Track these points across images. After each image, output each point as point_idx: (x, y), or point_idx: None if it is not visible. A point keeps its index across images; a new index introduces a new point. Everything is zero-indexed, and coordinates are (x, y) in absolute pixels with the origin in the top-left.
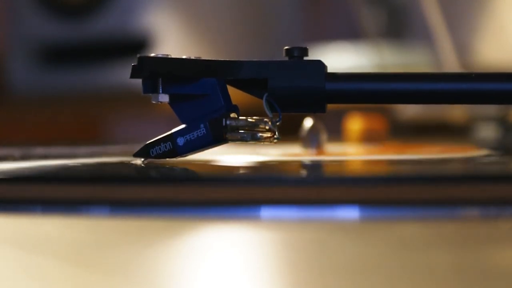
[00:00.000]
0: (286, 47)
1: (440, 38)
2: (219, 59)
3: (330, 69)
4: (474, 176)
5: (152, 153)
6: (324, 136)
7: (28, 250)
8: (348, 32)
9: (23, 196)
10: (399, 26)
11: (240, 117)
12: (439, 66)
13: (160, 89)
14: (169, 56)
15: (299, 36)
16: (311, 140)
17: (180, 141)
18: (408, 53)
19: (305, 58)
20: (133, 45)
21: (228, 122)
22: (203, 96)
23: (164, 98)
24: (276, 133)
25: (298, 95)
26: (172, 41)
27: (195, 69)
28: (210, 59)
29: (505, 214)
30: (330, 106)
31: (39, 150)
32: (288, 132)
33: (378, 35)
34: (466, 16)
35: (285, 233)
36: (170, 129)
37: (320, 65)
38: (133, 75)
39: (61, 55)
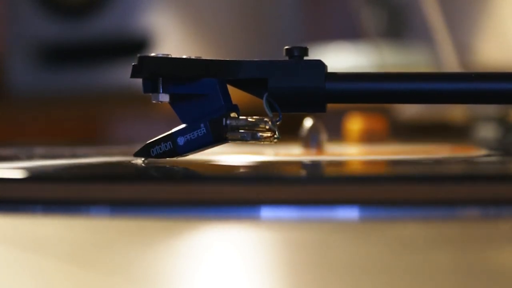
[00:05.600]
0: (286, 47)
1: (440, 38)
2: (220, 59)
3: (330, 69)
4: (474, 176)
5: (153, 153)
6: (324, 136)
7: (28, 250)
8: (348, 32)
9: (23, 196)
10: (399, 26)
11: (240, 117)
12: (439, 66)
13: (161, 89)
14: (170, 56)
15: (299, 35)
16: (311, 140)
17: (181, 140)
18: (408, 53)
19: (305, 57)
20: (133, 45)
21: (228, 121)
22: (203, 96)
23: (165, 97)
24: (276, 132)
25: (298, 94)
26: (172, 41)
27: (196, 69)
28: (210, 59)
29: (505, 214)
30: (330, 106)
31: (39, 150)
32: (288, 132)
33: (378, 35)
34: (466, 16)
35: (285, 233)
36: (171, 129)
37: (320, 64)
38: (133, 75)
39: (61, 55)
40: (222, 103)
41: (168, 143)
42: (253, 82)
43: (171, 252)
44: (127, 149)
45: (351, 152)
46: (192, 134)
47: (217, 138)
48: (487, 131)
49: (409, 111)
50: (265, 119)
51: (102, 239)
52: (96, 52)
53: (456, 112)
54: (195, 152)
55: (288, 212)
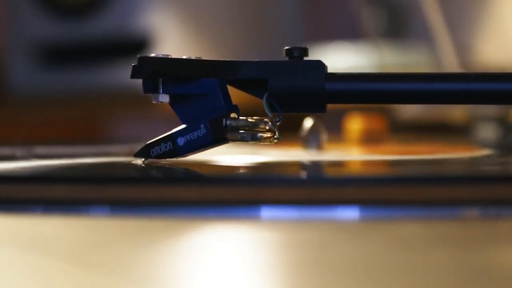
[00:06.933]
0: (286, 47)
1: (440, 38)
2: (220, 59)
3: (330, 69)
4: (474, 176)
5: (153, 153)
6: (324, 136)
7: (28, 250)
8: (348, 32)
9: (23, 196)
10: (399, 26)
11: (240, 117)
12: (439, 66)
13: (161, 89)
14: (170, 56)
15: (299, 36)
16: (311, 140)
17: (181, 141)
18: (408, 53)
19: (305, 58)
20: (133, 45)
21: (228, 122)
22: (203, 96)
23: (165, 98)
24: (276, 133)
25: (298, 95)
26: (172, 41)
27: (196, 69)
28: (210, 59)
29: (505, 214)
30: (330, 106)
31: (39, 150)
32: (288, 132)
33: (378, 35)
34: (466, 16)
35: (285, 233)
36: (171, 129)
37: (320, 65)
38: (133, 75)
39: (61, 55)
40: (222, 103)
41: (168, 143)
42: (253, 82)
43: (171, 252)
44: (127, 149)
45: (351, 152)
46: (192, 134)
47: (217, 138)
48: (487, 131)
49: (409, 111)
50: (265, 119)
51: (102, 239)
52: (96, 52)
53: (456, 112)
54: (195, 153)
55: (288, 212)
